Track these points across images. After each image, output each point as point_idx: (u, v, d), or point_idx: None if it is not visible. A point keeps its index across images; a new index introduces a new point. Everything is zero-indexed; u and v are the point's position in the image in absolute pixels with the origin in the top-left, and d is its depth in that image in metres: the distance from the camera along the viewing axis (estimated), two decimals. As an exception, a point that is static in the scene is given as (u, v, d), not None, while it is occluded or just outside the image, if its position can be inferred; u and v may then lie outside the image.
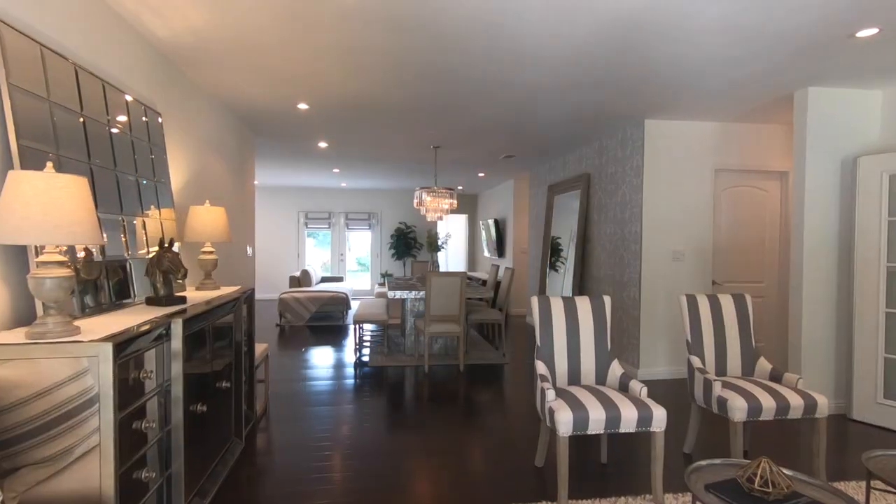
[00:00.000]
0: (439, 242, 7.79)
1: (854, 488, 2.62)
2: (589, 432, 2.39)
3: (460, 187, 10.57)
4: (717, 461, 1.97)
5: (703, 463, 1.96)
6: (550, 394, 2.52)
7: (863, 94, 3.79)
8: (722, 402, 2.67)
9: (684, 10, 2.48)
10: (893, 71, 3.37)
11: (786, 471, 1.87)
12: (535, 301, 2.94)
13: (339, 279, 10.88)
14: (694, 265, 4.84)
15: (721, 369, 3.07)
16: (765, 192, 5.02)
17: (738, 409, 2.58)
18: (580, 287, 5.99)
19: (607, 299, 2.97)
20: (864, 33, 2.75)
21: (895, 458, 1.99)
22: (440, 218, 6.36)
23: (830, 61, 3.19)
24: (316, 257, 11.79)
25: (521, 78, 3.55)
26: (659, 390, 4.33)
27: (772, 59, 3.14)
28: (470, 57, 3.15)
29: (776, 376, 2.90)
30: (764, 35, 2.78)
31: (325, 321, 8.12)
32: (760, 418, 2.60)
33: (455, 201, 6.31)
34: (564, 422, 2.35)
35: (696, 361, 2.98)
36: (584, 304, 2.96)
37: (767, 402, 2.60)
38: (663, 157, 4.77)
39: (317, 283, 9.87)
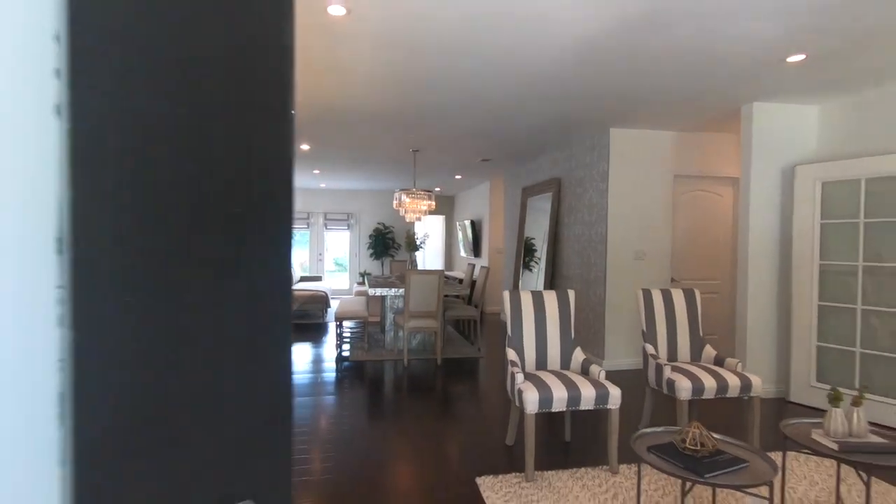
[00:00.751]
0: (417, 242, 8.03)
1: (790, 462, 2.99)
2: (553, 410, 2.69)
3: (438, 189, 10.84)
4: (659, 429, 2.29)
5: (647, 430, 2.27)
6: (519, 377, 2.81)
7: (801, 109, 4.21)
8: (671, 384, 3.01)
9: (636, 36, 2.81)
10: (824, 89, 3.79)
11: (715, 435, 2.19)
12: (506, 295, 3.23)
13: (318, 279, 11.02)
14: (654, 264, 5.22)
15: (672, 355, 3.41)
16: (719, 197, 5.44)
17: (684, 388, 2.92)
18: (551, 285, 6.32)
19: (571, 293, 3.29)
20: (793, 59, 3.14)
21: (806, 424, 2.35)
22: (418, 218, 6.63)
23: (769, 81, 3.58)
24: (294, 257, 11.89)
25: (498, 89, 3.84)
26: (621, 378, 4.67)
27: (717, 78, 3.51)
28: (451, 70, 3.43)
29: (719, 361, 3.26)
30: (708, 58, 3.14)
31: (306, 319, 8.28)
32: (703, 397, 2.95)
33: (433, 202, 6.58)
34: (531, 401, 2.65)
35: (650, 349, 3.32)
36: (550, 298, 3.27)
37: (709, 383, 2.95)
38: (627, 163, 5.14)
39: (296, 283, 10.00)
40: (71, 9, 0.22)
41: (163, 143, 0.26)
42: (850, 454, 2.02)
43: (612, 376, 4.66)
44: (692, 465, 1.91)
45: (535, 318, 3.20)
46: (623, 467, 2.83)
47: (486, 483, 2.64)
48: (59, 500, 0.24)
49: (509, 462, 2.91)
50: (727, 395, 2.98)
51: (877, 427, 2.25)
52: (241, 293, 0.29)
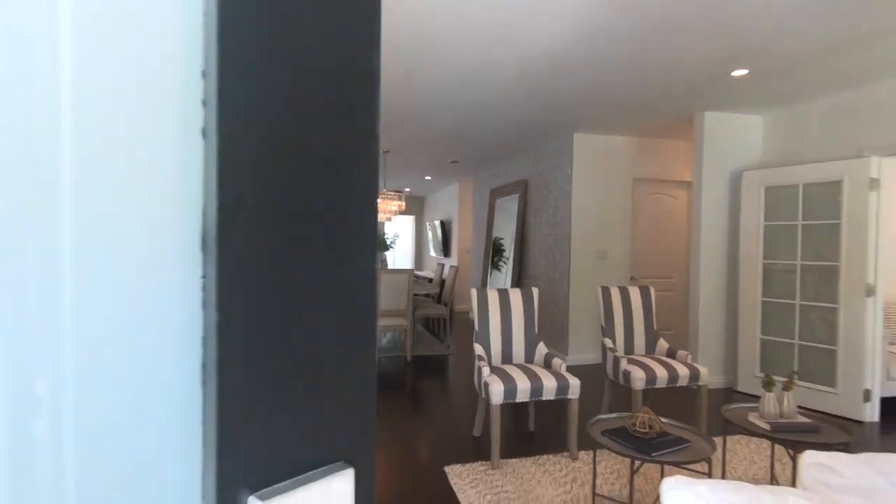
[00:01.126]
0: (388, 242, 8.11)
1: (730, 444, 3.23)
2: (517, 400, 2.84)
3: (408, 189, 10.93)
4: (613, 415, 2.47)
5: (603, 417, 2.45)
6: (486, 370, 2.96)
7: (747, 118, 4.52)
8: (626, 374, 3.21)
9: (593, 49, 3.00)
10: (767, 101, 4.09)
11: (663, 419, 2.39)
12: (474, 292, 3.37)
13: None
14: (615, 263, 5.47)
15: (629, 348, 3.63)
16: (675, 199, 5.74)
17: (638, 379, 3.13)
18: (518, 283, 6.52)
19: (535, 291, 3.46)
20: (737, 73, 3.39)
21: (744, 409, 2.58)
22: (389, 219, 6.71)
23: (717, 92, 3.85)
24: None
25: (466, 95, 3.99)
26: (583, 371, 4.89)
27: (670, 88, 3.75)
28: (421, 76, 3.55)
29: (672, 353, 3.49)
30: (662, 70, 3.36)
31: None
32: (656, 386, 3.16)
33: (403, 203, 6.68)
34: (497, 392, 2.80)
35: (608, 342, 3.52)
36: (515, 295, 3.43)
37: (661, 373, 3.16)
38: (590, 167, 5.37)
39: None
40: (218, 51, 0.29)
41: (283, 155, 0.33)
42: (780, 433, 2.25)
43: (575, 370, 4.87)
44: (641, 445, 2.09)
45: (501, 315, 3.36)
46: (582, 454, 3.02)
47: (454, 471, 2.77)
48: (200, 450, 0.31)
49: (476, 451, 3.05)
50: (678, 385, 3.21)
51: (808, 410, 2.49)
52: (341, 283, 0.36)
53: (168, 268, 0.29)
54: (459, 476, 2.71)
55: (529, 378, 2.89)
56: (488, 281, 7.43)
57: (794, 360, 4.03)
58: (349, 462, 0.38)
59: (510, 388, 2.82)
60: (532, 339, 3.38)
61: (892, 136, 3.53)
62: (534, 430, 3.40)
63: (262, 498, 0.32)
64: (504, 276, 6.95)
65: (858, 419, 3.61)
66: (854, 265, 3.67)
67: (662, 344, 3.61)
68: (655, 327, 3.70)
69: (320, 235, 0.35)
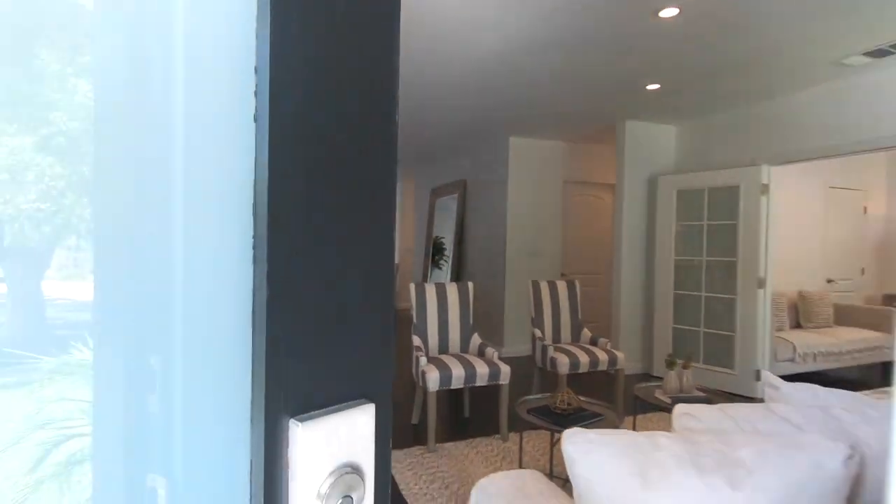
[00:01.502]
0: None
1: (641, 420, 3.59)
2: (452, 387, 3.02)
3: (349, 187, 10.89)
4: (539, 396, 2.71)
5: (529, 398, 2.68)
6: (423, 360, 3.12)
7: (662, 127, 4.97)
8: (553, 361, 3.48)
9: (522, 59, 3.24)
10: (678, 113, 4.53)
11: (582, 398, 2.65)
12: (412, 287, 3.52)
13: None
14: (547, 260, 5.81)
15: (556, 338, 3.92)
16: (601, 201, 6.17)
17: (563, 364, 3.40)
18: (457, 281, 6.74)
19: (470, 284, 3.66)
20: (651, 87, 3.76)
21: (652, 387, 2.90)
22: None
23: (636, 104, 4.23)
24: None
25: (407, 98, 4.12)
26: (517, 362, 5.16)
27: (593, 99, 4.08)
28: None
29: (594, 341, 3.80)
30: (584, 81, 3.66)
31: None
32: (579, 371, 3.45)
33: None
34: (433, 379, 2.96)
35: (537, 333, 3.79)
36: (452, 289, 3.61)
37: (584, 359, 3.46)
38: (523, 169, 5.67)
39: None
40: (269, 49, 0.35)
41: (319, 140, 0.38)
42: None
43: (510, 361, 5.13)
44: (559, 420, 2.32)
45: (437, 308, 3.53)
46: (512, 435, 3.24)
47: (392, 456, 2.90)
48: (249, 381, 0.37)
49: (414, 437, 3.20)
50: (598, 369, 3.52)
51: (711, 390, 2.84)
52: (366, 244, 0.42)
53: (230, 234, 0.38)
54: (398, 460, 2.85)
55: (463, 366, 3.08)
56: (429, 279, 7.60)
57: (700, 345, 4.50)
58: (370, 399, 0.43)
59: (445, 376, 2.99)
60: (467, 330, 3.58)
61: (779, 146, 4.04)
62: (469, 416, 3.59)
63: (299, 420, 0.39)
64: (445, 274, 7.14)
65: (752, 396, 4.10)
66: (749, 261, 4.16)
67: (586, 333, 3.93)
68: (580, 318, 4.01)
69: (351, 204, 0.42)
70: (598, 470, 1.12)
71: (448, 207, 7.25)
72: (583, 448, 1.16)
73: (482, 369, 3.08)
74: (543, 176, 5.77)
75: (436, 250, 7.50)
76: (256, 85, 0.37)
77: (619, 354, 3.54)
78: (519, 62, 3.28)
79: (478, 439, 3.17)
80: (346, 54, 0.40)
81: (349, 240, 0.41)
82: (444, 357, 3.27)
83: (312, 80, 0.38)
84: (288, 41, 0.37)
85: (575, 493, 1.22)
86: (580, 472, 1.17)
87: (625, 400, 3.78)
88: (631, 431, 1.22)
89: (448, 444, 3.09)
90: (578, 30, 2.80)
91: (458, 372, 3.03)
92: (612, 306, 4.99)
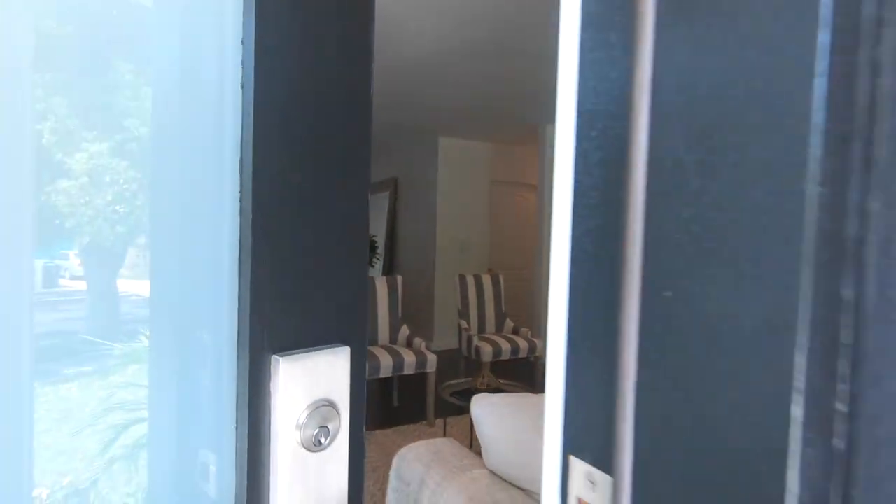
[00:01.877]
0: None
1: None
2: (381, 376, 3.12)
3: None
4: (462, 380, 2.88)
5: (453, 382, 2.84)
6: (352, 351, 3.20)
7: (580, 133, 5.34)
8: (477, 350, 3.68)
9: (441, 63, 3.41)
10: (593, 120, 4.90)
11: (502, 381, 2.86)
12: (342, 280, 3.58)
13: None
14: (476, 256, 6.04)
15: (481, 328, 4.13)
16: (527, 200, 6.51)
17: (486, 352, 3.60)
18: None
19: (399, 278, 3.78)
20: (567, 94, 4.06)
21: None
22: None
23: (554, 107, 4.52)
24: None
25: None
26: (447, 354, 5.34)
27: (514, 102, 4.33)
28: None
29: (516, 331, 4.06)
30: (505, 86, 3.90)
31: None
32: (501, 358, 3.67)
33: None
34: (361, 369, 3.05)
35: (463, 324, 3.98)
36: (381, 283, 3.71)
37: (506, 347, 3.69)
38: (453, 168, 5.86)
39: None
40: (255, 24, 0.40)
41: (300, 104, 0.42)
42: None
43: (439, 353, 5.31)
44: (480, 400, 2.50)
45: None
46: (438, 421, 3.40)
47: (320, 445, 2.96)
48: (236, 322, 0.41)
49: (343, 428, 3.27)
50: (519, 356, 3.76)
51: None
52: (343, 203, 0.46)
53: (220, 187, 0.44)
54: (326, 449, 2.91)
55: (392, 355, 3.19)
56: (360, 275, 7.61)
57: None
58: (346, 343, 0.47)
59: (374, 366, 3.09)
60: (396, 321, 3.69)
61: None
62: (398, 405, 3.71)
63: (280, 356, 0.42)
64: (377, 272, 7.18)
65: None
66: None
67: (509, 323, 4.17)
68: (504, 309, 4.25)
69: (331, 166, 0.46)
70: (501, 426, 1.29)
71: (380, 206, 7.30)
72: (488, 409, 1.32)
73: (410, 358, 3.21)
74: (472, 175, 5.99)
75: (369, 248, 7.52)
76: (243, 55, 0.41)
77: (539, 342, 3.81)
78: (440, 69, 3.44)
79: (406, 426, 3.30)
80: (325, 32, 0.46)
81: (328, 199, 0.45)
82: (373, 349, 3.36)
83: (295, 53, 0.43)
84: (271, 16, 0.42)
85: (483, 452, 1.38)
86: (486, 432, 1.33)
87: (541, 381, 4.05)
88: (530, 395, 1.40)
89: (377, 432, 3.19)
90: (489, 40, 3.00)
91: (386, 362, 3.13)
92: (536, 298, 5.30)
